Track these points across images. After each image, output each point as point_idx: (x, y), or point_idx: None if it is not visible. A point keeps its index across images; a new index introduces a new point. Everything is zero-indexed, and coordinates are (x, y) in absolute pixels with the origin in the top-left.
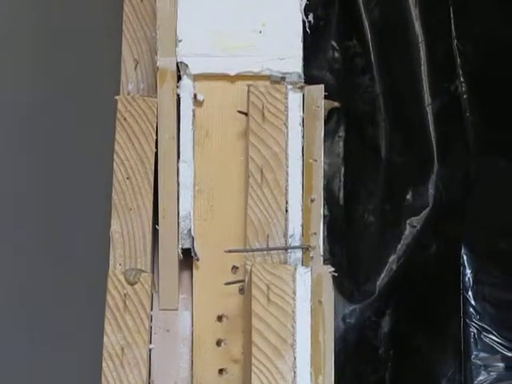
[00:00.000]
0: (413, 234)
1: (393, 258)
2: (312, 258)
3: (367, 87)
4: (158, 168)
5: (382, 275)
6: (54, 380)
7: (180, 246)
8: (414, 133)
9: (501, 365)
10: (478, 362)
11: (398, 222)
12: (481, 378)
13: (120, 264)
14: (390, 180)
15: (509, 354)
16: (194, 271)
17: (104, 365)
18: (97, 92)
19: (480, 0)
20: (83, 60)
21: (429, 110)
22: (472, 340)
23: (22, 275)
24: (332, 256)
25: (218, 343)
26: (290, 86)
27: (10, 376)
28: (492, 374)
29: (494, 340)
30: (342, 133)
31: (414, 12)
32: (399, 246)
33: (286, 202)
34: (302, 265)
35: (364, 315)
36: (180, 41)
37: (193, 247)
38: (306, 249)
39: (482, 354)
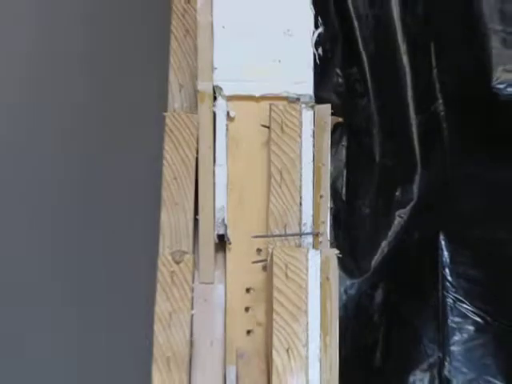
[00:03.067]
0: (400, 224)
1: (384, 242)
2: (321, 242)
3: (364, 107)
4: (198, 170)
5: (376, 256)
6: (115, 343)
7: (216, 233)
8: (401, 143)
9: (471, 328)
10: (453, 326)
11: (388, 213)
12: (455, 338)
13: (168, 247)
14: (383, 180)
15: (477, 319)
16: (227, 252)
17: (155, 327)
18: (150, 110)
19: (454, 40)
20: (140, 83)
21: (413, 124)
22: (448, 308)
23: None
24: (336, 240)
25: (246, 310)
26: (303, 105)
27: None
28: (464, 335)
29: (466, 308)
30: (344, 142)
31: (402, 47)
32: (389, 233)
33: (300, 198)
34: (313, 248)
35: (361, 288)
36: (215, 68)
37: (226, 233)
38: (316, 235)
39: (457, 319)
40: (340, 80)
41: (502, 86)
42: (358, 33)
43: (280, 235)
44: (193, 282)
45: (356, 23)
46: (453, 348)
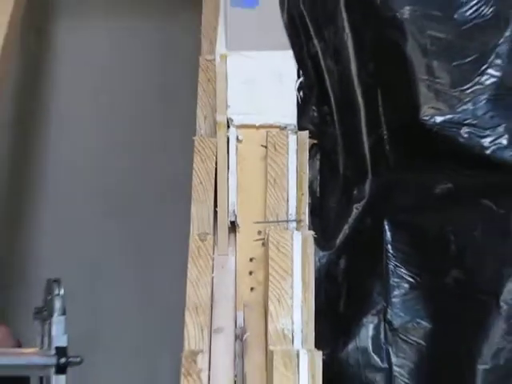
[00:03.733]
0: (357, 214)
1: (346, 226)
2: (302, 226)
3: (332, 133)
4: (217, 177)
5: (340, 236)
6: (154, 298)
7: (229, 219)
8: (357, 158)
9: (406, 285)
10: (394, 284)
11: (348, 206)
12: (395, 292)
13: (196, 230)
14: (344, 184)
15: (410, 280)
16: (237, 233)
17: (187, 286)
18: (184, 136)
19: (394, 86)
20: (176, 115)
21: (366, 144)
22: (390, 272)
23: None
24: (312, 225)
25: (250, 273)
26: (289, 132)
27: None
28: (401, 290)
29: (402, 272)
30: (318, 157)
31: (358, 92)
32: (349, 220)
33: (287, 195)
34: (296, 230)
35: (330, 258)
36: (229, 106)
37: (236, 220)
38: (298, 221)
39: (396, 280)
40: (315, 114)
41: (427, 118)
42: (327, 82)
43: (273, 221)
44: (213, 254)
45: (326, 75)
46: (393, 299)
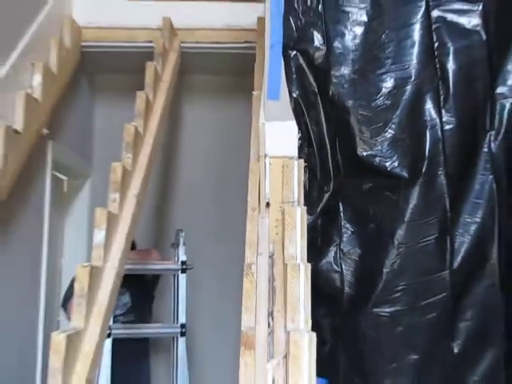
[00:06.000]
0: (326, 199)
1: (321, 204)
2: (299, 205)
3: (314, 161)
4: (260, 182)
5: (318, 209)
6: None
7: (265, 201)
8: (326, 172)
9: (349, 232)
10: (343, 231)
11: (321, 195)
12: (344, 236)
13: (250, 206)
14: (320, 184)
15: (351, 229)
16: (270, 208)
17: (246, 234)
18: (244, 164)
19: (343, 134)
20: (241, 154)
21: (330, 166)
22: (342, 226)
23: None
24: (305, 204)
25: (276, 226)
26: (294, 159)
27: None
28: (347, 235)
29: (348, 226)
30: (307, 172)
31: (327, 140)
32: (323, 201)
33: (293, 189)
34: (298, 206)
35: (313, 220)
36: (266, 147)
37: (269, 201)
38: (298, 202)
39: (344, 230)
40: (306, 151)
41: (359, 153)
42: (312, 136)
43: (287, 202)
44: (258, 217)
45: (311, 132)
46: (343, 239)
